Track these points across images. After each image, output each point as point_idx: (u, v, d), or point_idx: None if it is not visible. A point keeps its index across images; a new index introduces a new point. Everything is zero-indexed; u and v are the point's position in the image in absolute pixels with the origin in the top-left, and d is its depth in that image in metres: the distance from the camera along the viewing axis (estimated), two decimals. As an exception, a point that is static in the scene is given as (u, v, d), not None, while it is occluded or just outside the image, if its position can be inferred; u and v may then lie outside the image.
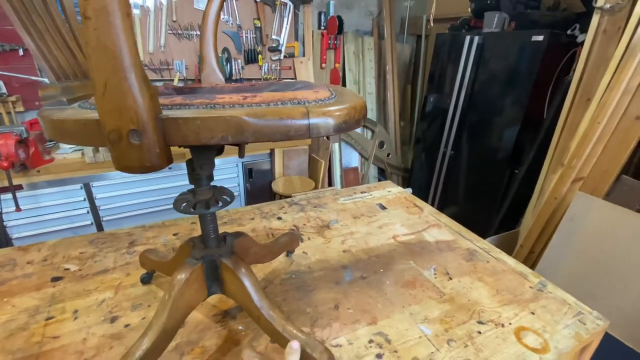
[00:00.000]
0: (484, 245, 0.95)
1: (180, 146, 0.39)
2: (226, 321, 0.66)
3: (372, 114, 2.74)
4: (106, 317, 0.66)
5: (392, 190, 1.29)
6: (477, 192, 2.25)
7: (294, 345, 0.46)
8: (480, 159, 2.23)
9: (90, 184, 1.55)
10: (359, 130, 2.60)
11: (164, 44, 1.93)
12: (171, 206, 1.66)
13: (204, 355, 0.58)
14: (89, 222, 1.61)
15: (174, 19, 1.94)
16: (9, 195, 1.30)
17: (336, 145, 2.27)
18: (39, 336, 0.61)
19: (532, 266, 1.67)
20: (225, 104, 0.39)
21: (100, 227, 1.63)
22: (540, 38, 1.81)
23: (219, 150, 0.53)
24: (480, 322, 0.68)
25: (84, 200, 1.54)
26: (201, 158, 0.50)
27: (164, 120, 0.35)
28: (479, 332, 0.66)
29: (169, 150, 0.37)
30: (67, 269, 0.79)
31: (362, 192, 1.27)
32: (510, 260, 0.89)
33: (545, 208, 1.64)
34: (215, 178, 1.86)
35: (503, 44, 2.02)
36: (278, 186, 1.85)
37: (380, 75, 2.78)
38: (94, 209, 1.56)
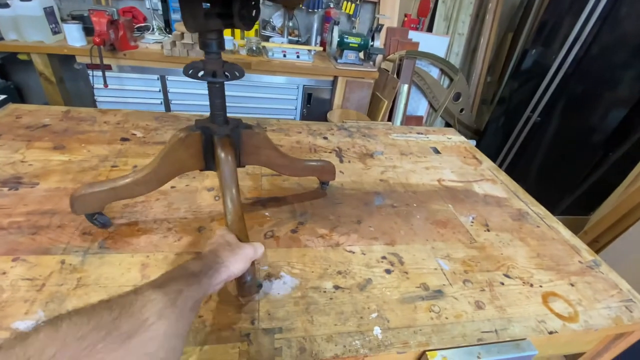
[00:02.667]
0: (539, 211, 0.85)
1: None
2: (255, 206, 0.70)
3: (456, 59, 2.43)
4: (157, 178, 0.74)
5: (453, 138, 1.18)
6: (555, 169, 1.97)
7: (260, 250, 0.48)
8: (571, 133, 1.90)
9: (166, 77, 1.67)
10: (435, 75, 2.35)
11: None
12: (234, 112, 1.73)
13: (221, 224, 0.64)
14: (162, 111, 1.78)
15: None
16: (99, 73, 1.47)
17: (405, 86, 2.10)
18: (104, 176, 0.72)
19: (592, 260, 1.49)
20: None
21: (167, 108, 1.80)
22: None
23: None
24: (506, 276, 0.64)
25: (159, 91, 1.69)
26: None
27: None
28: (502, 284, 0.62)
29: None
30: (134, 134, 0.90)
31: (418, 133, 1.18)
32: (566, 232, 0.78)
33: (633, 198, 1.38)
34: (274, 96, 1.90)
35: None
36: (333, 117, 1.81)
37: (479, 15, 2.38)
38: (166, 101, 1.72)
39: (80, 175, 0.71)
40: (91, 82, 1.54)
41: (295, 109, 1.91)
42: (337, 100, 1.91)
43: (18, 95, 1.85)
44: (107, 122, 0.94)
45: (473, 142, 1.18)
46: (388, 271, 0.60)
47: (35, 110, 0.94)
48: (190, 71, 0.52)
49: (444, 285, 0.59)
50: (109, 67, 1.54)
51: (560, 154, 1.97)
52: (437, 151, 1.07)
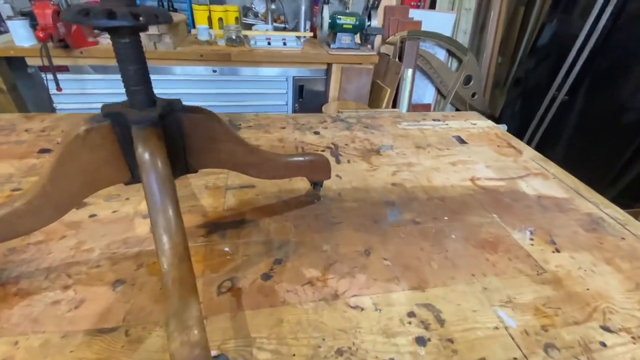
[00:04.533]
0: (616, 214, 0.61)
1: None
2: (212, 237, 0.47)
3: (464, 38, 2.17)
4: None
5: (478, 124, 0.94)
6: (590, 154, 1.72)
7: None
8: (606, 111, 1.64)
9: None
10: (441, 57, 2.10)
11: None
12: (214, 108, 1.46)
13: (153, 274, 0.41)
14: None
15: None
16: (60, 76, 1.26)
17: (409, 71, 1.86)
18: (-8, 207, 0.50)
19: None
20: None
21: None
22: None
23: None
24: (605, 329, 0.40)
25: (129, 94, 1.47)
26: None
27: None
28: (603, 345, 0.38)
29: None
30: (59, 143, 0.67)
31: (434, 120, 0.94)
32: (669, 245, 0.54)
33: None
34: (261, 91, 1.63)
35: None
36: (330, 110, 1.58)
37: (486, -11, 2.12)
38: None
39: (-43, 207, 0.49)
40: (46, 86, 1.33)
41: (286, 104, 1.68)
42: (333, 91, 1.67)
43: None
44: (28, 130, 0.72)
45: (504, 127, 0.93)
46: (421, 341, 0.36)
47: None
48: (71, 13, 0.29)
49: (514, 359, 0.35)
50: (64, 69, 1.33)
51: (594, 137, 1.71)
52: (462, 141, 0.83)
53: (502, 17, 2.17)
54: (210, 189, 0.58)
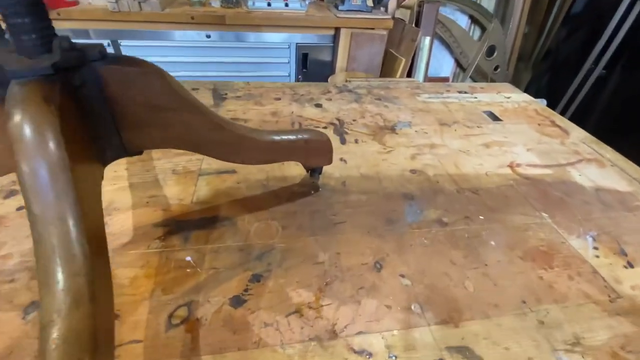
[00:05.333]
0: (700, 215, 0.47)
1: None
2: (170, 241, 0.36)
3: (489, 3, 1.93)
4: None
5: (513, 97, 0.79)
6: (629, 136, 1.54)
7: None
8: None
9: (119, 41, 1.31)
10: (463, 24, 1.88)
11: None
12: (208, 78, 1.32)
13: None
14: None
15: None
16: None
17: (427, 39, 1.66)
18: None
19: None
20: None
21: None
22: None
23: None
24: None
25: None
26: None
27: None
28: None
29: None
30: None
31: (459, 92, 0.79)
32: None
33: None
34: (260, 60, 1.44)
35: None
36: (336, 82, 1.42)
37: (517, -55, 1.86)
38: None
39: None
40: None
41: (288, 75, 1.52)
42: (341, 60, 1.50)
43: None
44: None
45: (543, 102, 0.78)
46: (457, 415, 0.25)
47: None
48: None
49: None
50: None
51: (635, 116, 1.52)
52: (495, 117, 0.69)
53: (533, -22, 1.92)
54: (178, 175, 0.45)
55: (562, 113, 1.78)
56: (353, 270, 0.34)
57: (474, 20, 1.92)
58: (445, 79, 2.06)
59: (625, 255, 0.39)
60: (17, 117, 0.20)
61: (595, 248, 0.40)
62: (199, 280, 0.32)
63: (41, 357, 0.18)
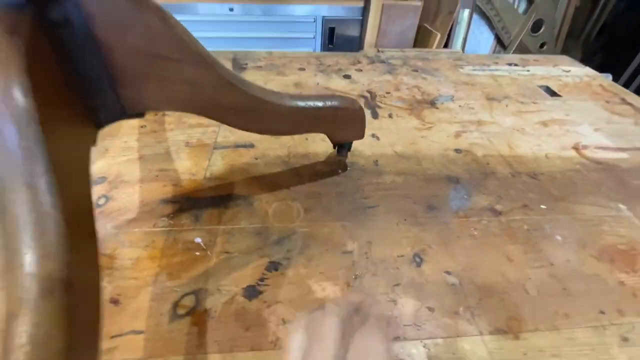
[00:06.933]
0: None
1: None
2: (180, 219, 0.32)
3: (538, -27, 1.73)
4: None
5: (573, 71, 0.68)
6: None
7: None
8: None
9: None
10: (509, -6, 1.70)
11: None
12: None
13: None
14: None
15: None
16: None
17: (465, 12, 1.51)
18: None
19: None
20: None
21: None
22: None
23: None
24: None
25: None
26: None
27: None
28: None
29: None
30: None
31: (509, 64, 0.69)
32: None
33: None
34: (284, 35, 1.36)
35: None
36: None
37: None
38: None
39: None
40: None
41: (314, 50, 1.44)
42: (371, 35, 1.40)
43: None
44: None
45: (608, 77, 0.67)
46: None
47: None
48: None
49: None
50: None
51: None
52: (553, 93, 0.59)
53: (594, -59, 1.69)
54: (192, 147, 0.41)
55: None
56: (387, 263, 0.29)
57: (520, -10, 1.73)
58: (483, 57, 1.90)
59: None
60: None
61: (693, 250, 0.32)
62: (209, 266, 0.28)
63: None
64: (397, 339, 0.24)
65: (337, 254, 0.30)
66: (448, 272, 0.28)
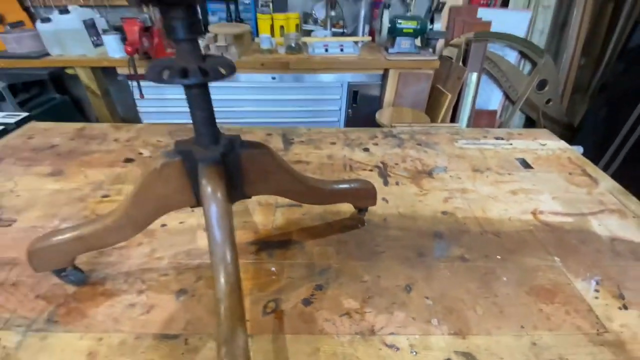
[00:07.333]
0: None
1: None
2: (261, 255, 0.51)
3: (540, 39, 1.95)
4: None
5: (549, 144, 0.86)
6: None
7: None
8: None
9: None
10: (512, 59, 1.92)
11: None
12: (268, 116, 1.56)
13: (210, 287, 0.46)
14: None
15: None
16: (143, 83, 1.44)
17: (474, 76, 1.73)
18: (88, 211, 0.60)
19: None
20: None
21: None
22: None
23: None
24: (683, 414, 0.35)
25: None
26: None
27: None
28: None
29: None
30: (141, 153, 0.78)
31: (496, 138, 0.88)
32: None
33: None
34: (315, 97, 1.66)
35: None
36: (383, 117, 1.55)
37: (571, -18, 1.88)
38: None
39: (64, 210, 0.60)
40: (132, 92, 1.52)
41: (339, 109, 1.69)
42: (389, 96, 1.64)
43: (77, 108, 1.95)
44: (117, 139, 0.84)
45: (579, 150, 0.84)
46: (456, 395, 0.36)
47: (50, 129, 0.87)
48: (153, 72, 0.34)
49: None
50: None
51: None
52: (527, 165, 0.77)
53: (587, 14, 1.91)
54: (262, 206, 0.62)
55: (619, 148, 1.72)
56: (389, 290, 0.47)
57: (523, 55, 1.95)
58: (493, 112, 2.09)
59: (623, 298, 0.47)
60: (204, 183, 0.37)
61: (596, 290, 0.48)
62: (280, 285, 0.47)
63: (217, 317, 0.33)
64: (391, 334, 0.41)
65: (357, 282, 0.48)
66: (427, 297, 0.46)
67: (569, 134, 2.10)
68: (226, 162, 0.40)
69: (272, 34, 1.70)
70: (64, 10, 1.42)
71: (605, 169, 1.77)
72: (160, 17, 0.33)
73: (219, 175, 0.37)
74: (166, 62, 0.34)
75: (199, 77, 0.33)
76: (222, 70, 0.34)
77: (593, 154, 1.84)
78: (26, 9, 1.85)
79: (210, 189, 0.37)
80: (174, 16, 0.32)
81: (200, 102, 0.37)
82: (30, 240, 0.42)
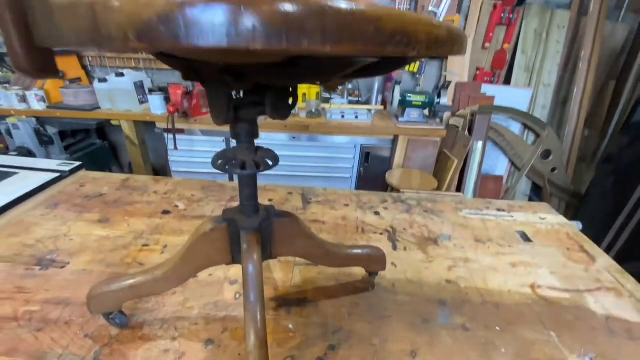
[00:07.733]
0: None
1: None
2: (280, 312, 0.57)
3: (542, 113, 2.10)
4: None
5: (548, 219, 0.92)
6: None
7: None
8: None
9: (230, 139, 1.76)
10: (516, 130, 2.05)
11: None
12: (287, 170, 1.69)
13: (234, 338, 0.51)
14: (224, 174, 1.86)
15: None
16: (172, 135, 1.61)
17: (479, 144, 1.86)
18: (131, 258, 0.68)
19: None
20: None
21: (232, 179, 1.87)
22: None
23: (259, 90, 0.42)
24: None
25: (223, 152, 1.77)
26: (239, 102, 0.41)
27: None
28: None
29: (42, 53, 0.29)
30: (177, 206, 0.88)
31: (498, 210, 0.95)
32: None
33: None
34: (330, 155, 1.79)
35: None
36: (393, 178, 1.65)
37: (569, 64, 2.08)
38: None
39: (110, 256, 0.68)
40: (166, 144, 1.69)
41: (352, 167, 1.81)
42: (398, 159, 1.76)
43: (113, 152, 2.15)
44: (156, 191, 0.95)
45: (578, 226, 0.90)
46: None
47: (100, 179, 1.00)
48: (219, 162, 0.45)
49: None
50: (181, 131, 1.69)
51: None
52: (527, 238, 0.83)
53: (587, 92, 2.07)
54: (282, 263, 0.69)
55: (626, 222, 1.74)
56: (395, 355, 0.51)
57: (527, 126, 2.09)
58: (499, 178, 2.18)
59: (620, 380, 0.50)
60: (246, 250, 0.45)
61: (592, 369, 0.51)
62: (297, 342, 0.52)
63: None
64: (397, 396, 0.45)
65: (367, 345, 0.52)
66: (430, 363, 0.50)
67: (576, 203, 2.14)
68: (262, 229, 0.49)
69: (295, 98, 1.90)
70: (120, 74, 1.66)
71: (609, 245, 1.78)
72: (231, 126, 0.44)
73: (257, 241, 0.46)
74: (228, 153, 0.45)
75: (253, 169, 0.43)
76: (270, 162, 0.44)
77: (603, 223, 1.86)
78: (84, 67, 2.15)
79: (249, 252, 0.45)
80: (242, 127, 0.43)
81: (249, 183, 0.46)
82: (81, 283, 0.50)
